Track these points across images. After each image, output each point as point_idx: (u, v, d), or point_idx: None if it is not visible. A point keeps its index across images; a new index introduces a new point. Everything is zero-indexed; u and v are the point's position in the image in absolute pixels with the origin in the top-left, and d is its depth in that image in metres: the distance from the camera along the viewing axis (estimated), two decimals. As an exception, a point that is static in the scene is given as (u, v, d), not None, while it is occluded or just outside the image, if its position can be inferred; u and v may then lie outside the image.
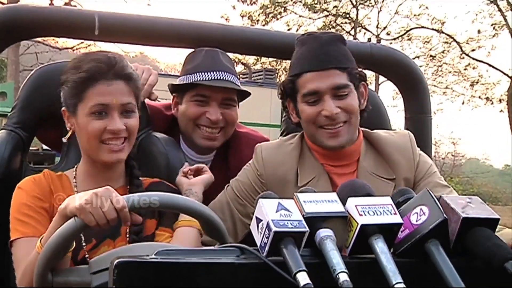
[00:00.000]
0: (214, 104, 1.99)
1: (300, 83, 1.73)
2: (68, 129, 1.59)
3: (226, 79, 1.98)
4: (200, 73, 1.97)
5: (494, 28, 20.21)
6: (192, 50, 2.07)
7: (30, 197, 1.51)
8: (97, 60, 1.52)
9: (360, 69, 1.79)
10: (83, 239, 1.50)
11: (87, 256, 1.49)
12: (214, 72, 1.97)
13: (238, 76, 2.08)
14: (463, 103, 22.09)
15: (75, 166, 1.65)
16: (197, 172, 1.80)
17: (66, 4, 16.12)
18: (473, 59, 20.99)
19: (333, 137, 1.72)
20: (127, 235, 1.54)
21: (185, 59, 2.07)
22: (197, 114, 1.99)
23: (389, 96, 20.92)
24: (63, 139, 1.61)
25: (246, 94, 2.09)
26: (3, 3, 15.07)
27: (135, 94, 1.56)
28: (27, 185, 1.54)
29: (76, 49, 19.74)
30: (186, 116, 2.01)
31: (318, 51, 1.72)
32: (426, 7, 20.84)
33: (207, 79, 1.96)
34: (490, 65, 20.49)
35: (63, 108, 1.58)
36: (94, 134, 1.50)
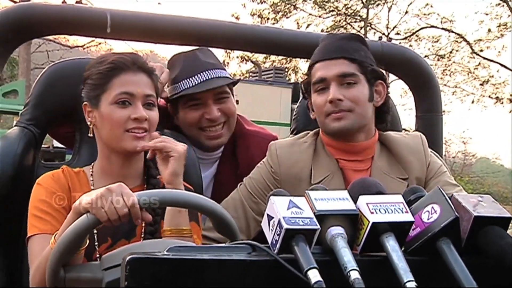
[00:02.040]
0: (209, 103, 1.99)
1: (312, 74, 1.80)
2: (88, 123, 1.59)
3: (211, 77, 1.98)
4: (184, 81, 1.98)
5: (500, 30, 20.09)
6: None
7: (48, 194, 1.52)
8: (121, 54, 1.58)
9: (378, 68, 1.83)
10: (96, 238, 1.50)
11: (98, 255, 1.49)
12: (197, 75, 1.97)
13: (222, 66, 2.07)
14: (472, 102, 21.97)
15: (92, 163, 1.65)
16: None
17: (77, 2, 16.19)
18: (484, 58, 20.86)
19: (337, 120, 1.75)
20: (142, 236, 1.54)
21: (167, 67, 2.06)
22: (197, 118, 1.99)
23: (397, 94, 20.86)
24: (89, 135, 1.61)
25: (235, 82, 2.08)
26: (15, 2, 15.17)
27: (155, 89, 1.59)
28: (46, 181, 1.55)
29: (87, 47, 19.85)
30: (187, 123, 2.01)
31: (330, 44, 1.80)
32: (431, 6, 20.73)
33: (192, 84, 1.97)
34: (501, 65, 20.35)
35: (84, 103, 1.59)
36: (118, 122, 1.52)
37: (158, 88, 1.62)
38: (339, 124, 1.75)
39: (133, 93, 1.53)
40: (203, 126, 2.00)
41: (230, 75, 2.12)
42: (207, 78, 1.98)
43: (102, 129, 1.56)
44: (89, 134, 1.61)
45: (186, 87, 1.97)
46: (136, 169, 1.62)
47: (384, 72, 1.89)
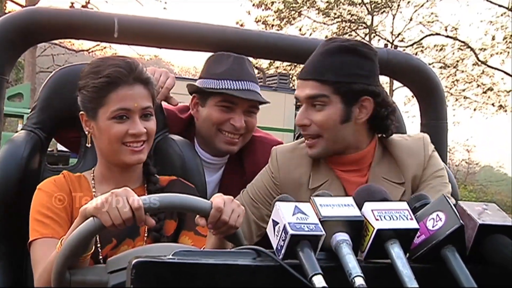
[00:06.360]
0: (239, 111, 2.00)
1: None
2: (86, 132, 1.60)
3: (253, 89, 2.01)
4: (229, 81, 1.98)
5: (507, 43, 20.12)
6: (211, 53, 2.08)
7: (50, 198, 1.53)
8: (116, 65, 1.54)
9: (364, 84, 1.69)
10: (98, 241, 1.51)
11: (102, 256, 1.50)
12: (243, 82, 1.99)
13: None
14: (474, 110, 21.94)
15: (93, 168, 1.66)
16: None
17: (82, 6, 16.28)
18: (488, 66, 20.84)
19: (309, 147, 1.75)
20: (146, 235, 1.55)
21: (208, 61, 2.07)
22: (222, 120, 2.00)
23: (401, 101, 20.90)
24: (87, 145, 1.62)
25: (267, 102, 2.09)
26: (22, 6, 15.26)
27: (152, 97, 1.58)
28: (47, 186, 1.56)
29: (92, 51, 19.93)
30: (210, 120, 2.01)
31: (310, 60, 1.75)
32: (436, 15, 20.75)
33: (236, 88, 1.97)
34: (505, 73, 20.32)
35: (81, 112, 1.59)
36: (116, 137, 1.52)
37: (155, 96, 1.61)
38: (311, 152, 1.75)
39: (130, 108, 1.52)
40: (223, 129, 2.01)
41: None
42: (251, 88, 2.00)
43: (100, 142, 1.58)
44: (87, 144, 1.62)
45: (229, 87, 1.98)
46: (136, 173, 1.64)
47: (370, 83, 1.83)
